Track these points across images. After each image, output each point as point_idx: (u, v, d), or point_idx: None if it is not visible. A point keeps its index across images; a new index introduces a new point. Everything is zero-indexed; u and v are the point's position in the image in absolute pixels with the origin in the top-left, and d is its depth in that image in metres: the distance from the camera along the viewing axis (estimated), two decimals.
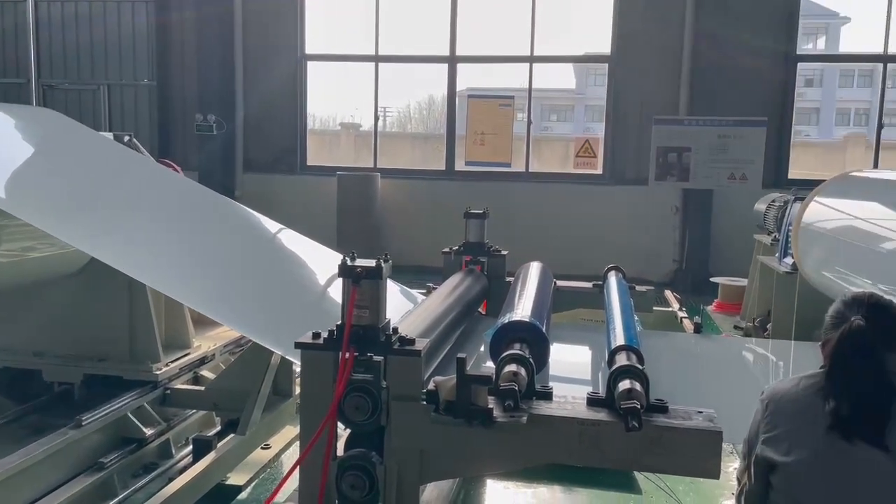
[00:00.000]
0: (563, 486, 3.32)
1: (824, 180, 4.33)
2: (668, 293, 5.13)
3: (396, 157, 13.77)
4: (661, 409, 2.04)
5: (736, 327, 5.52)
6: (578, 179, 9.56)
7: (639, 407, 1.91)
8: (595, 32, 9.69)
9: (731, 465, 2.98)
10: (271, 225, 4.26)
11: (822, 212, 3.89)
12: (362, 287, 1.90)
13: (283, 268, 3.91)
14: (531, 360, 2.19)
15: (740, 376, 3.36)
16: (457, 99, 10.16)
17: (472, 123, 9.67)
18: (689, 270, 8.88)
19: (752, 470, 1.94)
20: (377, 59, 9.98)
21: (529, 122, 10.02)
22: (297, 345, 1.96)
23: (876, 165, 9.26)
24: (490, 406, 1.93)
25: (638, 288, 3.96)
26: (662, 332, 4.00)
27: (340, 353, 1.89)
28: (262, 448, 3.54)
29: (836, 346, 1.82)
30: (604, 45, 9.50)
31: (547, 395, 2.10)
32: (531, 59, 9.63)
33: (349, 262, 1.92)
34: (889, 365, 1.77)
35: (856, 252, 3.35)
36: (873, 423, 1.71)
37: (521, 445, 1.98)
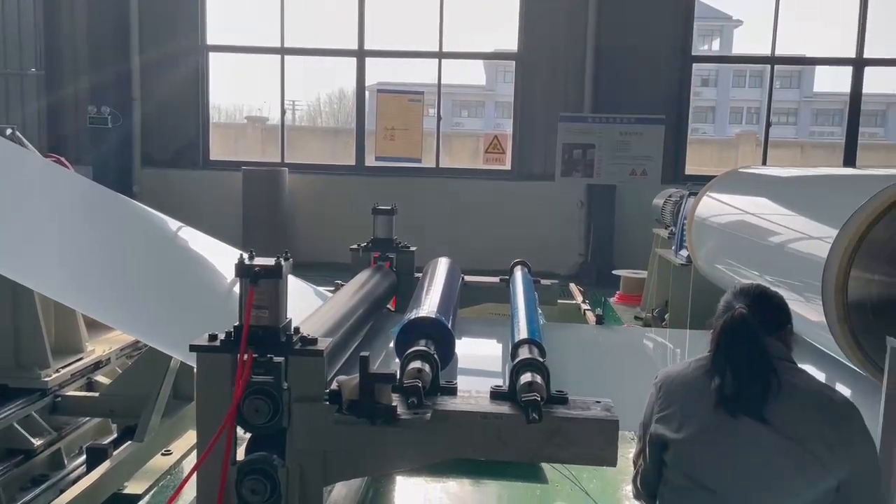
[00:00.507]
0: (472, 479, 3.36)
1: (716, 176, 4.56)
2: (572, 286, 5.28)
3: (306, 152, 13.55)
4: (562, 400, 2.10)
5: (636, 318, 5.74)
6: (487, 175, 9.69)
7: (539, 399, 1.95)
8: (504, 30, 9.83)
9: (633, 452, 3.10)
10: (171, 223, 4.10)
11: (712, 206, 4.10)
12: (261, 286, 1.85)
13: (183, 268, 3.77)
14: (436, 356, 2.20)
15: (640, 364, 3.50)
16: (367, 93, 10.08)
17: (381, 118, 9.63)
18: (594, 263, 9.15)
19: (647, 450, 2.03)
20: (283, 51, 9.78)
21: (439, 118, 10.06)
22: (193, 347, 1.89)
23: (765, 162, 9.81)
24: (394, 404, 1.92)
25: (543, 282, 4.05)
26: (566, 324, 4.12)
27: (238, 355, 1.84)
28: (163, 454, 3.42)
29: (721, 330, 1.95)
30: (512, 43, 9.65)
31: (451, 391, 2.11)
32: (440, 55, 9.66)
33: (246, 261, 1.87)
34: (769, 348, 1.91)
35: (743, 245, 3.54)
36: (754, 399, 1.84)
37: (426, 442, 1.99)
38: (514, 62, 9.76)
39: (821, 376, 2.98)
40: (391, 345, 2.82)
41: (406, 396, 1.95)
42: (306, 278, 4.33)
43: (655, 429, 1.99)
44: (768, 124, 10.13)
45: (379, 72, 11.25)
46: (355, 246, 3.96)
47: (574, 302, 4.70)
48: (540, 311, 3.20)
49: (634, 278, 6.74)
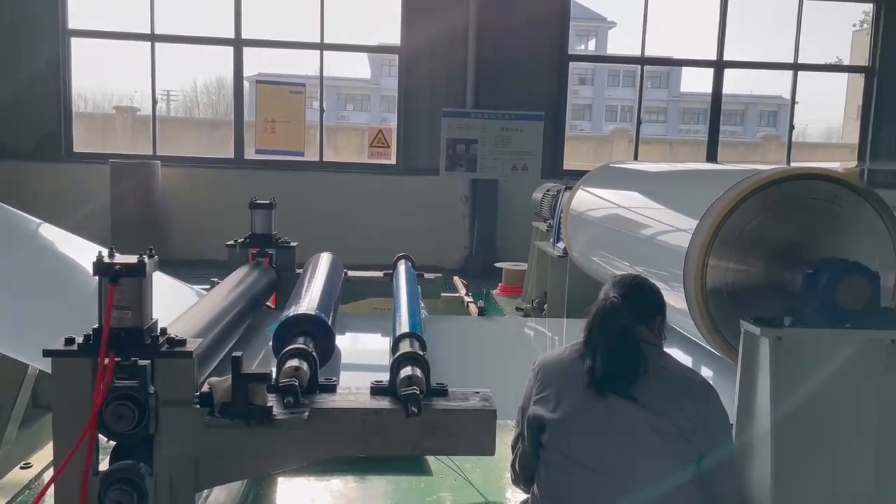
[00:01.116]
0: (356, 475, 3.33)
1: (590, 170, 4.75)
2: (456, 279, 5.35)
3: (181, 144, 12.95)
4: (441, 392, 2.12)
5: (518, 308, 5.89)
6: (372, 169, 9.63)
7: (418, 393, 1.96)
8: (387, 23, 9.79)
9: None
10: (28, 221, 3.80)
11: (585, 200, 4.26)
12: (122, 286, 1.75)
13: (41, 269, 3.50)
14: (314, 353, 2.16)
15: (520, 353, 3.59)
16: (245, 84, 9.75)
17: (261, 110, 9.35)
18: (478, 256, 9.31)
19: (526, 433, 2.10)
20: (153, 37, 9.28)
21: (322, 111, 9.89)
22: (46, 352, 1.76)
23: (636, 157, 10.32)
24: (269, 404, 1.87)
25: (426, 276, 4.08)
26: (450, 316, 4.16)
27: (98, 359, 1.72)
28: (22, 468, 3.18)
29: (593, 317, 2.08)
30: (395, 37, 9.62)
31: (331, 388, 2.09)
32: (322, 47, 9.50)
33: (106, 259, 1.76)
34: (639, 333, 2.05)
35: (614, 236, 3.70)
36: (623, 379, 1.96)
37: (305, 441, 1.95)
38: (397, 56, 9.74)
39: (687, 360, 3.17)
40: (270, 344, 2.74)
41: (282, 396, 1.90)
42: (182, 276, 4.15)
43: (533, 410, 2.07)
44: (639, 122, 10.65)
45: (259, 62, 10.93)
46: (232, 242, 3.83)
47: (457, 295, 4.76)
48: (422, 305, 3.22)
49: (516, 270, 6.91)
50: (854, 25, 11.36)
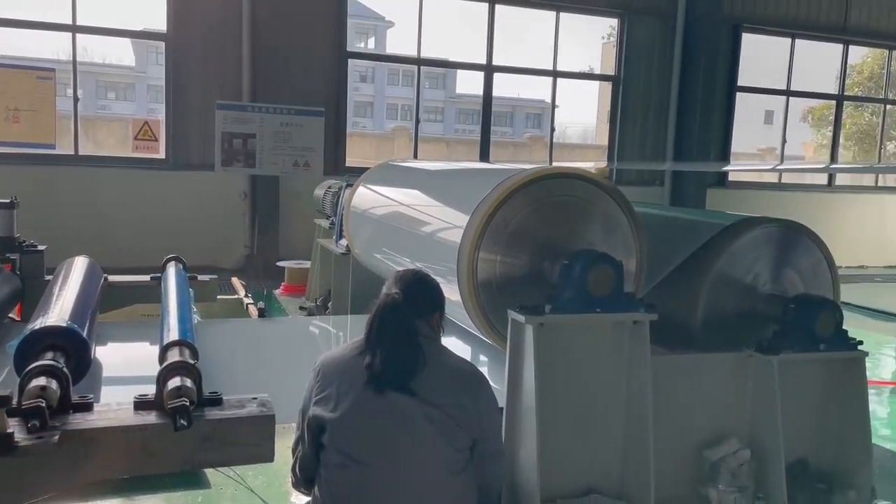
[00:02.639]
0: (125, 497, 3.07)
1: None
2: (234, 280, 5.13)
3: None
4: (215, 401, 2.02)
5: (301, 308, 5.80)
6: (138, 164, 8.90)
7: (188, 404, 1.84)
8: (153, 7, 9.07)
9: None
10: None
11: (366, 197, 4.30)
12: None
13: None
14: (66, 369, 1.95)
15: (304, 353, 3.53)
16: None
17: (2, 97, 8.23)
18: (260, 256, 9.00)
19: (306, 435, 2.06)
20: None
21: (76, 99, 8.95)
22: None
23: (416, 156, 10.61)
24: (10, 430, 1.66)
25: (200, 278, 3.86)
26: (227, 320, 3.98)
27: None
28: None
29: (374, 314, 2.09)
30: (161, 23, 8.97)
31: (86, 406, 1.90)
32: (74, 29, 8.59)
33: None
34: (419, 328, 2.09)
35: (394, 233, 3.77)
36: (401, 374, 1.99)
37: (57, 468, 1.76)
38: (163, 43, 9.10)
39: (466, 349, 3.33)
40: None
41: (26, 419, 1.69)
42: None
43: (313, 411, 2.03)
44: (417, 121, 10.97)
45: None
46: None
47: (236, 297, 4.56)
48: (195, 310, 3.04)
49: (299, 269, 6.79)
50: (603, 38, 12.62)
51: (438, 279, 2.84)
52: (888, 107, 13.36)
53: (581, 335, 2.55)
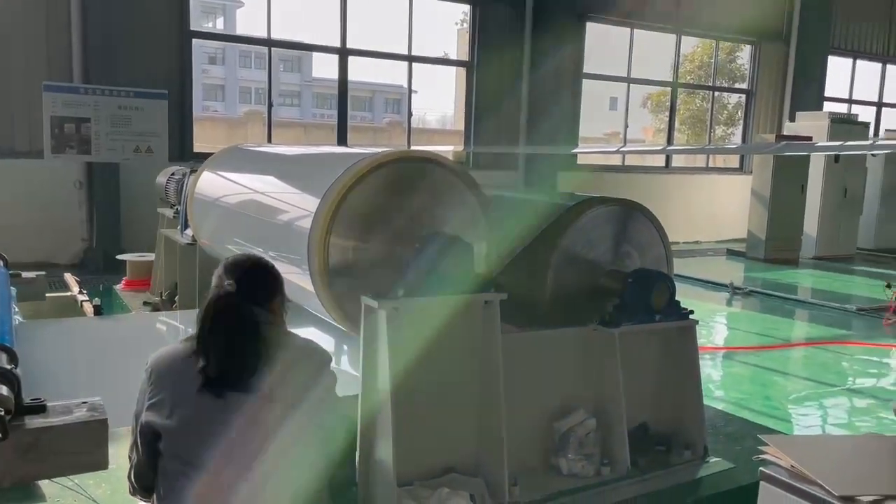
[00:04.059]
0: None
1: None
2: (67, 276, 4.73)
3: None
4: (38, 409, 1.85)
5: (146, 303, 5.44)
6: None
7: (3, 413, 1.67)
8: None
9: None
10: None
11: (212, 183, 4.09)
12: None
13: None
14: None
15: (146, 352, 3.30)
16: None
17: None
18: (100, 249, 8.39)
19: (139, 441, 1.90)
20: None
21: None
22: None
23: (269, 140, 10.28)
24: None
25: (25, 275, 3.53)
26: (58, 319, 3.67)
27: None
28: None
29: (205, 310, 1.90)
30: None
31: None
32: None
33: None
34: (259, 317, 1.92)
35: (242, 220, 3.62)
36: (242, 373, 1.84)
37: None
38: None
39: (329, 340, 3.25)
40: None
41: None
42: None
43: (146, 417, 1.87)
44: (270, 104, 10.62)
45: None
46: None
47: (69, 294, 4.21)
48: (16, 310, 2.77)
49: (142, 262, 6.38)
50: (457, 24, 12.79)
51: (289, 267, 2.76)
52: (716, 93, 14.55)
53: (435, 318, 2.56)
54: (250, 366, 1.85)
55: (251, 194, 3.67)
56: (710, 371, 5.50)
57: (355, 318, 2.61)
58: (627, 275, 2.96)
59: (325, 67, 38.93)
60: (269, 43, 10.17)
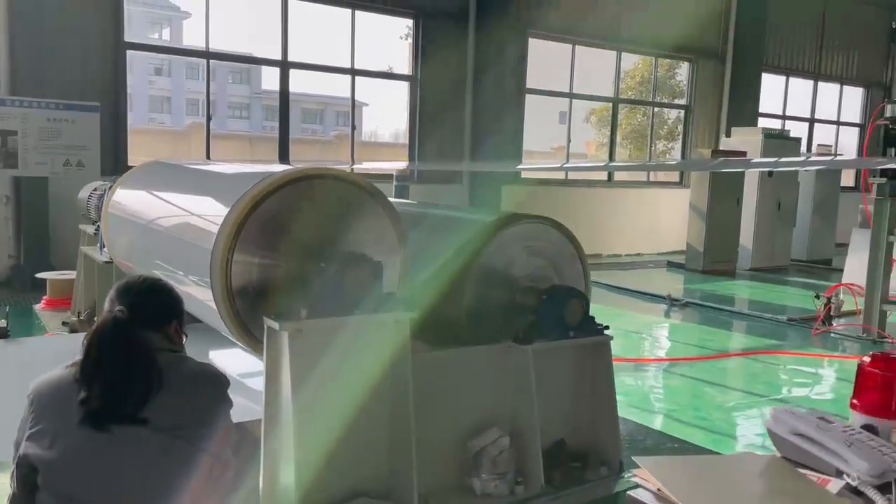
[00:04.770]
0: None
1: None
2: None
3: None
4: None
5: (64, 323, 5.24)
6: None
7: None
8: None
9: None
10: None
11: (126, 200, 3.96)
12: None
13: None
14: None
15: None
16: None
17: None
18: (28, 266, 8.07)
19: (16, 473, 1.78)
20: None
21: None
22: None
23: (208, 154, 10.07)
24: None
25: None
26: None
27: None
28: None
29: (90, 339, 1.79)
30: None
31: None
32: None
33: None
34: (153, 343, 1.84)
35: (149, 239, 3.50)
36: (130, 405, 1.73)
37: None
38: None
39: (243, 360, 3.14)
40: None
41: None
42: None
43: (26, 448, 1.75)
44: (209, 117, 10.44)
45: None
46: None
47: None
48: None
49: (62, 280, 6.15)
50: (401, 37, 12.79)
51: (196, 288, 2.67)
52: (656, 109, 14.85)
53: (340, 338, 2.50)
54: (136, 396, 1.75)
55: (157, 211, 3.55)
56: (644, 382, 5.54)
57: (259, 339, 2.54)
58: (542, 291, 2.96)
59: (274, 80, 38.54)
60: (207, 55, 10.00)
